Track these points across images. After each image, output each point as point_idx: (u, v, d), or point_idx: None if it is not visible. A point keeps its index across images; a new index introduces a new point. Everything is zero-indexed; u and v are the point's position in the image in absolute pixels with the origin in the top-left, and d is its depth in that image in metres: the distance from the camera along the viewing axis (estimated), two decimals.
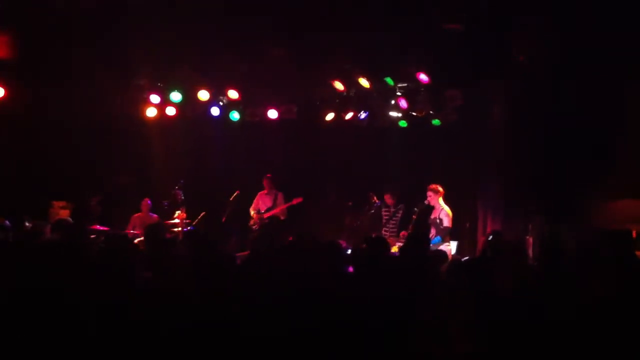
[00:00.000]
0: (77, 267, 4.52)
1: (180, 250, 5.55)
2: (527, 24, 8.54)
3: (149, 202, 10.65)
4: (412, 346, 3.84)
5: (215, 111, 10.97)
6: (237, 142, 11.69)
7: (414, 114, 10.32)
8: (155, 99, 10.67)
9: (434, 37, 8.74)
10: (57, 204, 10.61)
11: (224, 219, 10.69)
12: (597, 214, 8.70)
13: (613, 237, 5.45)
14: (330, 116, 10.91)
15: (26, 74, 9.64)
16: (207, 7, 8.36)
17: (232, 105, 11.05)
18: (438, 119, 10.22)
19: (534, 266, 5.66)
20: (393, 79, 10.12)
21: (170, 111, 10.90)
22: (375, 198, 10.10)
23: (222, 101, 10.99)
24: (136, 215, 10.59)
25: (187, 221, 10.28)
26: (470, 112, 9.89)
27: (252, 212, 11.01)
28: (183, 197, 10.38)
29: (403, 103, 10.26)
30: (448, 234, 8.97)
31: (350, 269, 5.00)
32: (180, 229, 10.08)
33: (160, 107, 10.82)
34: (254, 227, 10.88)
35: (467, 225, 10.20)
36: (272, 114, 11.04)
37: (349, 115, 10.75)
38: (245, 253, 6.72)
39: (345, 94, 10.59)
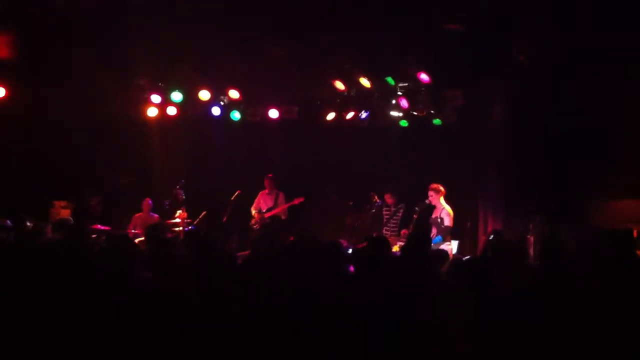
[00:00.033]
0: (78, 267, 4.53)
1: (180, 250, 5.56)
2: (527, 24, 8.53)
3: (150, 202, 10.66)
4: (412, 346, 3.84)
5: (216, 111, 10.98)
6: (238, 141, 11.70)
7: (414, 113, 10.32)
8: (156, 98, 10.68)
9: (434, 37, 8.73)
10: (58, 203, 10.64)
11: (224, 219, 10.69)
12: (597, 214, 8.69)
13: (614, 237, 5.42)
14: (331, 116, 10.91)
15: (26, 74, 9.64)
16: (207, 7, 8.35)
17: (232, 105, 11.06)
18: (439, 118, 10.23)
19: (534, 266, 5.66)
20: (394, 78, 10.12)
21: (171, 111, 10.91)
22: (376, 197, 10.11)
23: (223, 101, 11.00)
24: (137, 215, 10.60)
25: (188, 221, 10.30)
26: (471, 112, 9.89)
27: (253, 212, 11.02)
28: (184, 197, 10.41)
29: (404, 103, 10.26)
30: (449, 234, 8.96)
31: (351, 269, 5.00)
32: (181, 228, 10.10)
33: (161, 107, 10.83)
34: (255, 226, 10.90)
35: (468, 224, 10.19)
36: (273, 113, 11.05)
37: (350, 115, 10.75)
38: (246, 253, 6.72)
39: (345, 93, 10.59)
